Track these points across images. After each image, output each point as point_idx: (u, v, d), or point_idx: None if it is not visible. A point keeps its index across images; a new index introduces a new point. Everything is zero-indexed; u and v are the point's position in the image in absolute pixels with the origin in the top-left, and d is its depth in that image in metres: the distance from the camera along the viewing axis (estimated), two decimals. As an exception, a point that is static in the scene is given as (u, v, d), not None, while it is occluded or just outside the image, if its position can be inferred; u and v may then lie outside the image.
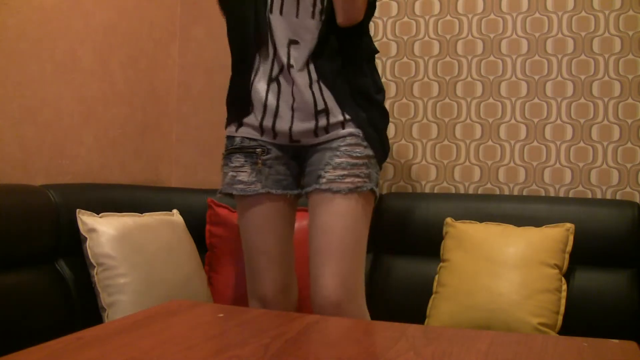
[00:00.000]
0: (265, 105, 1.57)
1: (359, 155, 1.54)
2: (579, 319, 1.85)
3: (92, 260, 1.78)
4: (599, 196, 2.14)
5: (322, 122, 1.55)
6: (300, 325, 1.16)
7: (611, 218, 1.93)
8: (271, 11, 1.54)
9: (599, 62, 2.14)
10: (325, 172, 1.53)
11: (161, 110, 2.57)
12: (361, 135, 1.55)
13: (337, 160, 1.52)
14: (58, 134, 2.04)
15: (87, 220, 1.81)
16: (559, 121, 2.18)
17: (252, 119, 1.60)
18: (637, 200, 2.08)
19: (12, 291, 1.62)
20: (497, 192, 2.24)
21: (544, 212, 1.99)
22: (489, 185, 2.25)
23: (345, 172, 1.52)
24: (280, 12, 1.54)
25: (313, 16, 1.53)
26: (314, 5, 1.52)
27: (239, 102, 1.62)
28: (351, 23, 1.53)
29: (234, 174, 1.61)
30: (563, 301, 1.83)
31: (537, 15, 2.21)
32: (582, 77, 2.16)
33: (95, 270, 1.78)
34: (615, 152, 2.13)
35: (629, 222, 1.92)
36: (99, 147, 2.21)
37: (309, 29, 1.53)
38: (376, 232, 2.08)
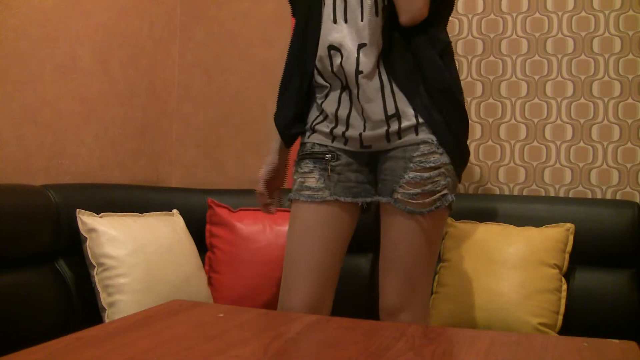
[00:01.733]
0: (336, 116, 1.52)
1: (433, 165, 1.45)
2: (579, 319, 1.85)
3: (92, 260, 1.78)
4: (599, 196, 2.14)
5: (394, 127, 1.47)
6: (300, 325, 1.16)
7: (611, 218, 1.93)
8: (335, 21, 1.50)
9: (599, 62, 2.14)
10: (400, 186, 1.46)
11: (161, 110, 2.57)
12: (435, 142, 1.45)
13: (411, 174, 1.45)
14: (58, 134, 2.04)
15: (87, 220, 1.81)
16: (559, 121, 2.18)
17: (324, 126, 1.55)
18: (637, 200, 2.08)
19: (12, 291, 1.62)
20: (497, 192, 2.24)
21: (544, 212, 1.99)
22: (489, 185, 2.25)
23: (419, 190, 1.44)
24: (345, 20, 1.49)
25: (377, 14, 1.46)
26: (376, 3, 1.46)
27: (311, 112, 1.59)
28: (414, 22, 1.44)
29: (302, 179, 1.55)
30: (563, 301, 1.83)
31: (537, 15, 2.21)
32: (582, 77, 2.16)
33: (95, 270, 1.78)
34: (615, 152, 2.13)
35: (629, 222, 1.92)
36: (99, 147, 2.21)
37: (374, 30, 1.46)
38: (376, 232, 2.08)
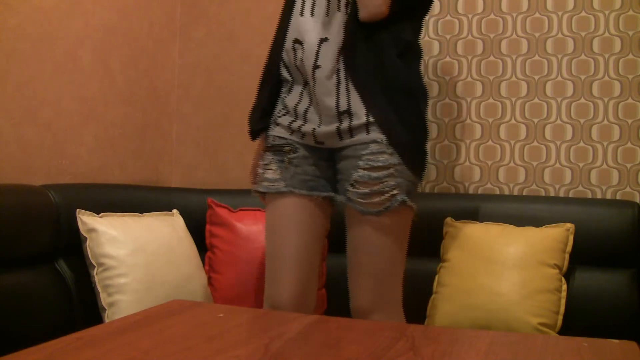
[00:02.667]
0: (295, 110, 1.55)
1: (382, 165, 1.45)
2: (579, 319, 1.85)
3: (92, 260, 1.78)
4: (599, 196, 2.14)
5: (345, 124, 1.48)
6: (300, 325, 1.16)
7: (611, 218, 1.93)
8: (302, 14, 1.52)
9: (599, 62, 2.14)
10: (350, 185, 1.48)
11: (161, 110, 2.57)
12: (385, 141, 1.45)
13: (360, 172, 1.46)
14: (58, 134, 2.04)
15: (87, 220, 1.81)
16: (559, 121, 2.18)
17: (284, 119, 1.59)
18: (637, 200, 2.08)
19: (12, 291, 1.62)
20: (497, 192, 2.24)
21: (544, 212, 1.99)
22: (489, 185, 2.25)
23: (367, 190, 1.45)
24: (312, 14, 1.51)
25: (339, 9, 1.47)
26: (339, 1, 1.48)
27: (277, 107, 1.62)
28: (373, 19, 1.44)
29: (262, 171, 1.60)
30: (563, 301, 1.83)
31: (537, 15, 2.21)
32: (582, 77, 2.16)
33: (95, 270, 1.78)
34: (615, 152, 2.13)
35: (629, 222, 1.92)
36: (99, 147, 2.21)
37: (338, 25, 1.47)
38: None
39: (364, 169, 1.46)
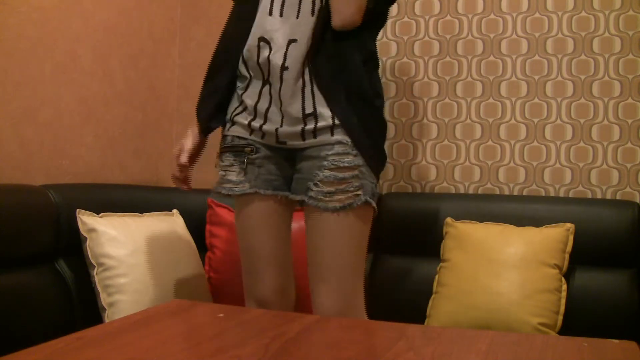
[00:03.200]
0: (255, 109, 1.53)
1: (348, 165, 1.46)
2: (579, 319, 1.85)
3: (92, 260, 1.78)
4: (599, 196, 2.14)
5: (310, 125, 1.49)
6: (300, 325, 1.16)
7: (611, 218, 1.93)
8: (270, 13, 1.51)
9: (599, 62, 2.14)
10: (314, 184, 1.48)
11: (161, 110, 2.57)
12: (350, 142, 1.47)
13: (325, 173, 1.46)
14: (58, 134, 2.04)
15: (87, 220, 1.81)
16: (559, 121, 2.18)
17: (242, 117, 1.56)
18: (637, 200, 2.08)
19: (12, 291, 1.62)
20: (497, 192, 2.24)
21: (544, 212, 1.99)
22: (489, 185, 2.25)
23: (332, 189, 1.46)
24: (281, 14, 1.50)
25: (312, 13, 1.48)
26: (313, 3, 1.48)
27: (232, 103, 1.60)
28: (346, 27, 1.47)
29: (224, 173, 1.59)
30: (563, 301, 1.83)
31: (537, 15, 2.21)
32: (582, 77, 2.16)
33: (95, 270, 1.78)
34: (615, 152, 2.13)
35: (629, 222, 1.92)
36: (99, 147, 2.21)
37: (306, 28, 1.48)
38: (376, 232, 2.08)
39: (329, 169, 1.47)
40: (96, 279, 1.78)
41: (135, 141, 2.40)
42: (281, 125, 1.51)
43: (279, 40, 1.49)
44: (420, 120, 2.32)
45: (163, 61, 2.57)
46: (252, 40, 1.53)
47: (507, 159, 2.23)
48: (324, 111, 1.48)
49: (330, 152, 1.47)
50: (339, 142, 1.48)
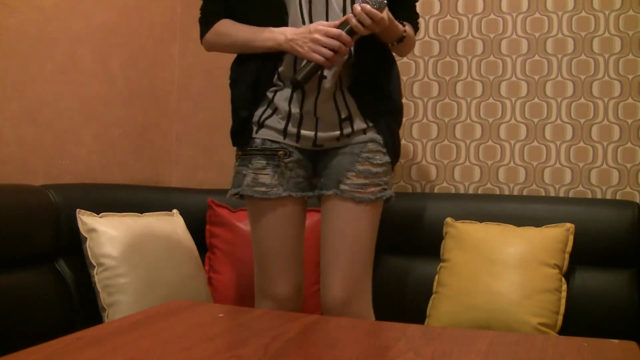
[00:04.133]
0: (290, 113, 1.57)
1: (380, 162, 1.58)
2: (579, 319, 1.85)
3: (92, 260, 1.78)
4: (599, 196, 2.14)
5: (347, 130, 1.58)
6: (300, 325, 1.16)
7: (611, 218, 1.93)
8: (304, 23, 1.54)
9: (599, 62, 2.14)
10: (347, 178, 1.56)
11: (161, 110, 2.57)
12: (382, 141, 1.59)
13: (360, 167, 1.56)
14: (58, 134, 2.04)
15: (87, 220, 1.81)
16: (559, 121, 2.18)
17: (274, 121, 1.59)
18: (637, 200, 2.08)
19: (12, 291, 1.62)
20: (497, 192, 2.24)
21: (544, 212, 1.99)
22: (489, 185, 2.25)
23: (367, 182, 1.56)
24: (310, 19, 1.53)
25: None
26: (344, 11, 1.52)
27: (261, 107, 1.62)
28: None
29: (255, 175, 1.58)
30: (563, 301, 1.83)
31: (537, 15, 2.21)
32: (582, 77, 2.16)
33: (95, 270, 1.78)
34: (615, 152, 2.13)
35: (629, 222, 1.92)
36: (99, 147, 2.21)
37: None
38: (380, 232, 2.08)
39: (364, 165, 1.56)
40: (96, 279, 1.78)
41: (135, 141, 2.40)
42: (316, 130, 1.57)
43: None
44: (420, 120, 2.32)
45: (163, 61, 2.57)
46: (289, 56, 1.55)
47: (507, 159, 2.23)
48: (358, 115, 1.58)
49: (364, 150, 1.58)
50: (372, 140, 1.59)
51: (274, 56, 1.56)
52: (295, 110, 1.56)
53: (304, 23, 1.53)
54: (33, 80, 1.94)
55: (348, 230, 1.57)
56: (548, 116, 2.19)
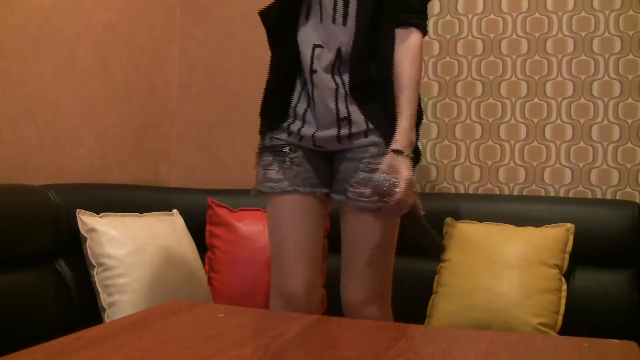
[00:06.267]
0: (295, 111, 1.58)
1: None
2: (579, 319, 1.85)
3: (92, 260, 1.78)
4: (599, 196, 2.14)
5: (345, 130, 1.54)
6: (300, 325, 1.16)
7: (611, 218, 1.93)
8: (320, 21, 1.54)
9: (599, 62, 2.14)
10: (350, 185, 1.54)
11: (161, 110, 2.57)
12: (383, 144, 1.51)
13: (361, 175, 1.52)
14: (58, 134, 2.04)
15: (87, 220, 1.81)
16: (559, 121, 2.18)
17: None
18: (637, 200, 2.08)
19: (12, 291, 1.62)
20: (497, 192, 2.24)
21: (544, 212, 1.99)
22: (489, 185, 2.25)
23: (369, 190, 1.49)
24: (307, 18, 1.54)
25: (334, 21, 1.52)
26: (335, 10, 1.52)
27: (275, 109, 1.62)
28: None
29: (264, 171, 1.61)
30: (563, 301, 1.83)
31: (537, 15, 2.21)
32: (582, 77, 2.16)
33: (95, 270, 1.78)
34: (615, 152, 2.13)
35: (629, 222, 1.92)
36: (99, 147, 2.21)
37: (332, 34, 1.52)
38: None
39: (364, 171, 1.52)
40: (96, 279, 1.78)
41: (135, 141, 2.40)
42: (317, 129, 1.55)
43: (307, 45, 1.54)
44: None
45: (163, 61, 2.57)
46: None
47: (507, 159, 2.23)
48: (358, 117, 1.53)
49: (365, 155, 1.53)
50: (374, 144, 1.53)
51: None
52: (301, 107, 1.57)
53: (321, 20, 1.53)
54: (33, 80, 1.94)
55: (357, 240, 1.57)
56: (548, 116, 2.19)
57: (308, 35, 1.54)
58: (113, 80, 2.27)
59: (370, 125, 1.54)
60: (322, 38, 1.53)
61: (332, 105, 1.53)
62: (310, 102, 1.56)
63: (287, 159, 1.58)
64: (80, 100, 2.12)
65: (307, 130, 1.57)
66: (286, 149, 1.59)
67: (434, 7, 2.31)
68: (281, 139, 1.59)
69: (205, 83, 2.62)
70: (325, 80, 1.53)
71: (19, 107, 1.90)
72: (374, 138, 1.53)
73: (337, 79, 1.53)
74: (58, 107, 2.03)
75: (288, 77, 1.59)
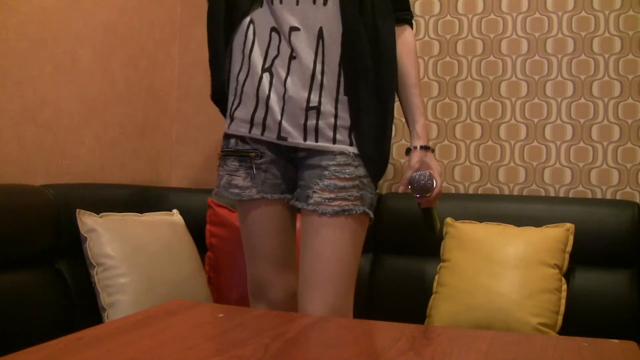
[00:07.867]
0: (257, 96, 1.49)
1: (349, 176, 1.44)
2: (579, 319, 1.85)
3: (92, 260, 1.78)
4: (599, 196, 2.14)
5: (312, 121, 1.45)
6: (300, 325, 1.16)
7: (611, 218, 1.93)
8: (271, 1, 1.48)
9: (599, 62, 2.14)
10: (314, 192, 1.45)
11: (161, 110, 2.57)
12: (352, 153, 1.45)
13: (326, 181, 1.44)
14: (58, 134, 2.04)
15: (87, 220, 1.81)
16: (559, 121, 2.18)
17: (241, 112, 1.53)
18: (637, 200, 2.08)
19: (12, 291, 1.62)
20: (497, 192, 2.24)
21: (544, 212, 1.99)
22: (489, 185, 2.25)
23: (333, 195, 1.44)
24: (280, 1, 1.46)
25: (314, 2, 1.45)
26: None
27: (229, 95, 1.57)
28: None
29: (230, 177, 1.54)
30: (563, 301, 1.83)
31: (537, 15, 2.21)
32: (582, 77, 2.16)
33: (95, 270, 1.78)
34: (615, 152, 2.13)
35: (629, 222, 1.92)
36: (99, 147, 2.21)
37: (310, 16, 1.44)
38: (376, 232, 2.08)
39: (329, 178, 1.45)
40: (96, 279, 1.78)
41: (135, 141, 2.40)
42: (282, 116, 1.46)
43: (283, 27, 1.46)
44: (420, 120, 2.32)
45: (163, 61, 2.57)
46: (263, 32, 1.50)
47: (507, 159, 2.23)
48: (329, 108, 1.45)
49: (331, 162, 1.45)
50: (342, 153, 1.45)
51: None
52: (262, 92, 1.48)
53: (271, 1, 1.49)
54: (33, 80, 1.94)
55: (317, 250, 1.46)
56: (548, 116, 2.19)
57: (283, 19, 1.46)
58: (113, 80, 2.27)
59: (339, 122, 1.46)
60: (296, 20, 1.45)
61: (304, 92, 1.45)
62: (274, 87, 1.47)
63: (254, 164, 1.52)
64: (80, 100, 2.12)
65: (271, 119, 1.48)
66: (252, 154, 1.52)
67: (433, 7, 2.31)
68: (246, 142, 1.52)
69: (205, 83, 2.61)
70: (303, 65, 1.45)
71: (19, 107, 1.90)
72: (342, 146, 1.46)
73: (318, 64, 1.45)
74: (58, 107, 2.03)
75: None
